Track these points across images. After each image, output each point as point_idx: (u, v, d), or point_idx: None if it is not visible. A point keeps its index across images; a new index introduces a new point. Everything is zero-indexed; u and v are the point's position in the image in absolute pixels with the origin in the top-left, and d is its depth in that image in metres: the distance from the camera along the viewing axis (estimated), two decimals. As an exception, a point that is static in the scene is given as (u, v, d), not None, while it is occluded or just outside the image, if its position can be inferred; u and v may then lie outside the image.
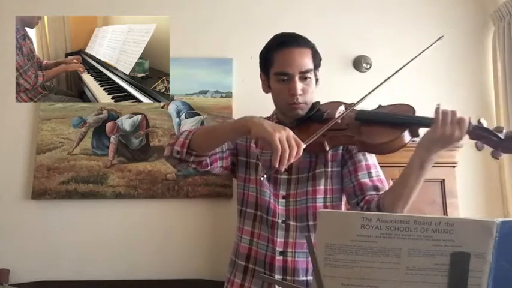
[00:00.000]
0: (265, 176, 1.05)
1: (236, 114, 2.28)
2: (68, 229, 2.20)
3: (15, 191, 2.23)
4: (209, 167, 1.24)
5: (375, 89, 1.15)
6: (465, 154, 2.14)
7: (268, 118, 1.35)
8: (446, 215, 1.93)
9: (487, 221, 0.64)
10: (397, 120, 1.12)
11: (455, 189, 1.99)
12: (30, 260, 2.15)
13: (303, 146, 1.01)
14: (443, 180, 1.99)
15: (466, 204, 2.15)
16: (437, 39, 1.23)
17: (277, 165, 0.98)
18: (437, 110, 1.03)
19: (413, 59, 1.19)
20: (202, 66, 2.37)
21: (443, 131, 1.01)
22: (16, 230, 2.19)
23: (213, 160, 1.24)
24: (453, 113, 1.02)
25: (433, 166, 2.01)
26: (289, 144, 0.99)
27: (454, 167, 2.02)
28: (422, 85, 2.37)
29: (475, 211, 2.24)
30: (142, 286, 2.10)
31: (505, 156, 0.99)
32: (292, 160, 0.99)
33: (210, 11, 2.45)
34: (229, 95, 2.34)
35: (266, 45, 1.28)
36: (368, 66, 2.38)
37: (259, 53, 1.30)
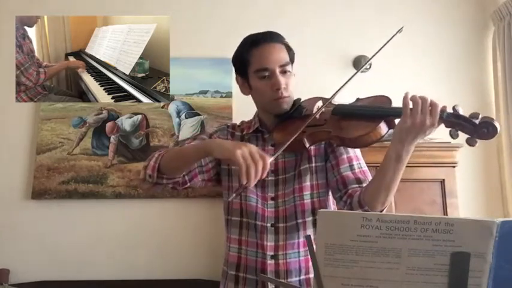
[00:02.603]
0: (234, 195, 1.03)
1: (236, 114, 2.28)
2: (68, 229, 2.20)
3: (15, 191, 2.23)
4: (188, 184, 1.22)
5: (348, 81, 1.14)
6: (465, 154, 2.15)
7: (250, 121, 1.34)
8: (446, 215, 1.93)
9: (487, 221, 0.64)
10: (371, 112, 1.10)
11: (455, 189, 2.00)
12: (30, 260, 2.16)
13: (269, 159, 0.99)
14: (443, 180, 1.99)
15: (466, 204, 2.15)
16: (398, 31, 1.21)
17: (244, 182, 0.95)
18: (405, 98, 0.99)
19: (376, 53, 1.16)
20: (202, 66, 2.37)
21: (413, 119, 0.96)
22: (16, 230, 2.19)
23: (192, 176, 1.22)
24: (423, 99, 0.97)
25: (433, 166, 2.03)
26: (253, 159, 0.96)
27: (454, 167, 2.02)
28: (422, 85, 2.37)
29: (475, 211, 2.24)
30: (142, 286, 2.11)
31: (481, 143, 0.96)
32: (259, 175, 0.96)
33: (210, 11, 2.45)
34: (229, 95, 2.34)
35: (238, 47, 1.27)
36: (368, 66, 2.38)
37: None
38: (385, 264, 0.67)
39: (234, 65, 1.29)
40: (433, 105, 0.97)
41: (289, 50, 1.25)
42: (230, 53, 2.40)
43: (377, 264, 0.67)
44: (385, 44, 1.16)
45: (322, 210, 0.72)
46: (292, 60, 1.25)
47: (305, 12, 2.43)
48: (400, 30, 1.20)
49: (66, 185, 2.21)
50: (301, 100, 1.26)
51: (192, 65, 2.37)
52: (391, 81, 2.18)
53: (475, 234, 0.64)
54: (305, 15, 2.41)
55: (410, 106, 0.98)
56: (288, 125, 1.20)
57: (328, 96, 1.29)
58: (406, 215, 0.67)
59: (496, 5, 2.36)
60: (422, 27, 2.46)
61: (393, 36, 1.17)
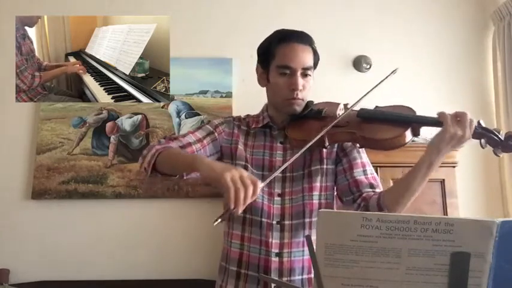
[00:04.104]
0: (219, 220, 0.90)
1: (236, 114, 2.27)
2: (68, 229, 2.20)
3: (15, 191, 2.23)
4: (185, 177, 1.20)
5: (376, 86, 1.17)
6: (465, 154, 2.15)
7: (257, 116, 1.34)
8: (446, 215, 1.93)
9: (487, 221, 0.64)
10: (400, 118, 1.14)
11: (455, 189, 1.99)
12: (30, 260, 2.15)
13: (260, 184, 0.93)
14: (443, 180, 1.99)
15: (466, 204, 2.15)
16: (392, 72, 1.25)
17: (232, 206, 0.89)
18: (443, 113, 1.07)
19: (370, 90, 1.18)
20: (202, 66, 2.37)
21: (454, 131, 1.04)
22: (16, 230, 2.19)
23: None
24: (463, 113, 1.05)
25: (433, 166, 2.02)
26: (243, 183, 0.90)
27: (454, 167, 2.02)
28: (422, 85, 2.37)
29: (475, 211, 2.24)
30: (142, 286, 2.10)
31: (504, 155, 1.07)
32: (248, 200, 0.90)
33: (210, 11, 2.45)
34: (229, 95, 2.34)
35: (268, 38, 1.27)
36: (368, 66, 2.38)
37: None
38: (385, 264, 0.67)
39: (258, 55, 1.29)
40: (471, 119, 1.06)
41: (315, 54, 1.26)
42: (230, 53, 2.43)
43: (377, 264, 0.67)
44: (379, 84, 1.20)
45: (322, 210, 0.73)
46: (315, 66, 1.26)
47: (305, 12, 2.43)
48: (394, 72, 1.25)
49: (66, 185, 2.21)
50: (314, 103, 1.28)
51: (192, 65, 2.37)
52: (392, 81, 2.17)
53: (475, 234, 0.64)
54: (305, 15, 2.41)
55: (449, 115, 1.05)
56: (304, 124, 1.21)
57: (331, 97, 1.31)
58: (406, 215, 0.67)
59: (496, 5, 2.36)
60: (422, 27, 2.46)
61: (387, 77, 1.22)
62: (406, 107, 1.19)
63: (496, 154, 1.09)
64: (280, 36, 1.24)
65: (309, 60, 1.21)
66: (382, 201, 1.11)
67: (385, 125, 1.13)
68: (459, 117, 1.05)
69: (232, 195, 0.89)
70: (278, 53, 1.22)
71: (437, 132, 1.08)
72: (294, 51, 1.20)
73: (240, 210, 0.90)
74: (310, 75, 1.22)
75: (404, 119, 1.13)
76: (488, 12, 2.44)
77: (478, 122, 1.08)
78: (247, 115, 1.38)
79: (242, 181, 0.90)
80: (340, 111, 1.22)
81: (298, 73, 1.19)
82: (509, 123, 2.21)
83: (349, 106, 1.21)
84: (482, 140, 1.09)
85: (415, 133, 1.13)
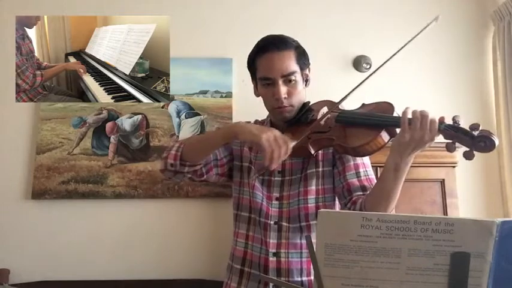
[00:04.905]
0: (257, 175, 1.08)
1: (236, 114, 2.28)
2: (68, 229, 2.20)
3: (15, 191, 2.23)
4: (205, 176, 1.26)
5: (357, 87, 1.12)
6: (465, 154, 2.14)
7: (263, 121, 1.37)
8: (446, 215, 1.93)
9: (487, 221, 0.64)
10: (372, 121, 1.09)
11: (455, 189, 1.99)
12: (30, 260, 2.15)
13: (291, 143, 1.05)
14: (443, 180, 1.99)
15: (466, 204, 2.15)
16: (434, 19, 1.15)
17: (267, 164, 1.02)
18: (404, 113, 0.99)
19: (408, 43, 1.14)
20: (202, 66, 2.37)
21: (412, 134, 0.96)
22: (16, 230, 2.19)
23: (208, 169, 1.26)
24: (423, 115, 0.96)
25: (433, 166, 2.03)
26: (277, 143, 1.02)
27: (454, 167, 2.02)
28: (422, 85, 2.37)
29: (475, 211, 2.24)
30: (142, 286, 2.10)
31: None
32: (282, 158, 1.03)
33: (210, 11, 2.45)
34: (229, 95, 2.34)
35: (251, 51, 1.29)
36: (368, 66, 2.37)
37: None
38: (385, 264, 0.67)
39: (247, 68, 1.33)
40: (432, 120, 0.96)
41: (300, 56, 1.24)
42: (230, 53, 2.43)
43: (377, 264, 0.67)
44: (417, 35, 1.16)
45: (322, 210, 0.72)
46: (302, 67, 1.24)
47: (305, 12, 2.43)
48: (436, 19, 1.17)
49: (66, 185, 2.21)
50: (310, 103, 1.27)
51: (192, 65, 2.37)
52: (391, 81, 2.17)
53: (475, 234, 0.64)
54: (305, 15, 2.41)
55: (409, 116, 0.98)
56: (295, 130, 1.20)
57: (331, 97, 1.29)
58: (406, 215, 0.67)
59: (496, 5, 2.35)
60: (422, 27, 2.46)
61: (428, 25, 1.17)
62: (387, 103, 1.13)
63: (467, 158, 0.93)
64: (257, 48, 1.26)
65: (289, 66, 1.20)
66: (364, 205, 1.10)
67: (360, 130, 1.09)
68: (417, 119, 0.96)
69: (268, 155, 1.01)
70: (258, 65, 1.25)
71: (396, 135, 1.02)
72: (271, 61, 1.20)
73: (274, 166, 1.03)
74: (294, 80, 1.21)
75: (377, 122, 1.08)
76: (488, 12, 2.44)
77: (453, 119, 0.96)
78: (256, 120, 1.41)
79: (276, 141, 1.03)
80: (320, 115, 1.19)
81: (280, 82, 1.19)
82: (509, 123, 2.21)
83: (344, 103, 1.17)
84: (449, 143, 0.96)
85: (392, 134, 1.06)
